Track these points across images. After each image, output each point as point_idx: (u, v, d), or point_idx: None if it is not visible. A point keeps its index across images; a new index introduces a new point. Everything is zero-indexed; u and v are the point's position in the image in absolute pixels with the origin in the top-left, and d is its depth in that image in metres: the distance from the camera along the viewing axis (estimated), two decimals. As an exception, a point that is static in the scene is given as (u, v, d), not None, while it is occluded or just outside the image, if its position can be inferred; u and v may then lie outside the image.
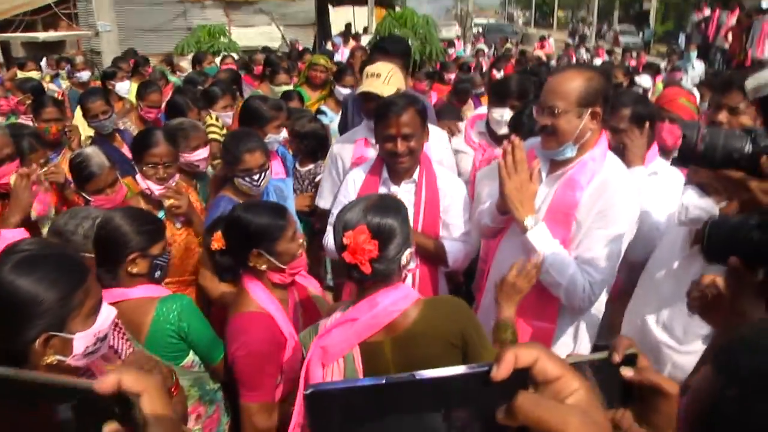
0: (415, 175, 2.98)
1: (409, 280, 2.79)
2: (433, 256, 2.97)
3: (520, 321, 2.56)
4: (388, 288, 2.00)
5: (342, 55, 11.53)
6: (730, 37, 16.18)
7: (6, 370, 0.70)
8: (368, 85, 3.36)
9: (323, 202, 3.63)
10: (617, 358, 1.04)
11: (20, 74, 8.79)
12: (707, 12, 17.85)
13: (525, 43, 30.43)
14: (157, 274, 2.42)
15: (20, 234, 2.66)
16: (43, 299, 1.45)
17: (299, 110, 4.91)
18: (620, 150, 2.91)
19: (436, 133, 3.54)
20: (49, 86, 8.75)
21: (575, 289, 2.46)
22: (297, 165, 4.41)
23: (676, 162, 2.30)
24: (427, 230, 2.98)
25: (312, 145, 4.34)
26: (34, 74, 8.75)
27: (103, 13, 13.96)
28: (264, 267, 2.32)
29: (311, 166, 4.35)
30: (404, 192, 2.96)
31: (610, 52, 19.06)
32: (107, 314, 1.61)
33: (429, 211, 2.98)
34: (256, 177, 3.26)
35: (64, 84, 9.45)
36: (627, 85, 7.95)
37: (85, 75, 8.73)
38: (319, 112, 5.86)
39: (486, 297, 2.81)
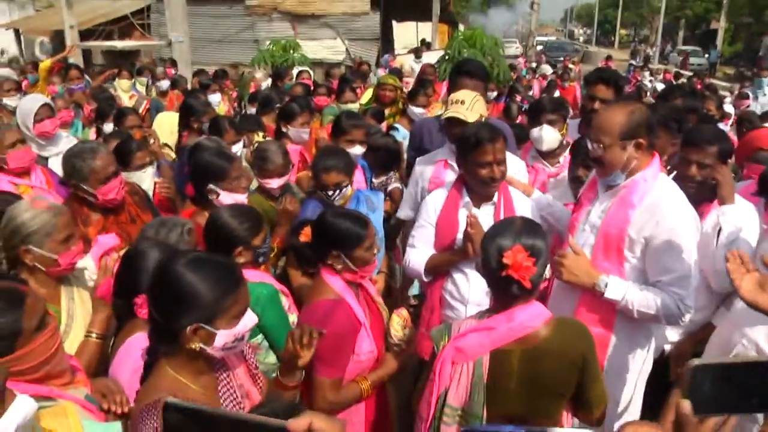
0: (495, 198, 3.13)
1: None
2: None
3: None
4: (525, 304, 2.20)
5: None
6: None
7: (217, 410, 0.86)
8: (454, 111, 3.46)
9: (402, 213, 3.91)
10: None
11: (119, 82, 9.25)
12: None
13: (586, 61, 30.07)
14: (260, 259, 2.85)
15: (114, 239, 2.86)
16: (201, 296, 1.75)
17: (371, 126, 5.04)
18: (711, 185, 3.11)
19: (513, 161, 3.60)
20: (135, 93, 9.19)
21: (669, 311, 2.63)
22: (372, 177, 4.61)
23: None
24: None
25: (384, 158, 4.62)
26: (125, 82, 9.20)
27: (176, 23, 14.44)
28: (340, 267, 2.55)
29: (383, 177, 4.63)
30: (484, 214, 3.09)
31: (678, 76, 18.52)
32: (249, 320, 1.87)
33: None
34: (330, 193, 3.47)
35: (141, 89, 9.87)
36: (720, 117, 7.63)
37: (165, 84, 9.11)
38: (392, 128, 5.99)
39: (551, 306, 2.82)
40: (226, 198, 3.30)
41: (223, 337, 1.80)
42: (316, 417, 0.82)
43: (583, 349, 2.19)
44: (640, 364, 2.84)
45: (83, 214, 3.22)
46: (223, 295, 1.79)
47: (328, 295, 2.54)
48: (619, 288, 2.66)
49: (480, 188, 3.09)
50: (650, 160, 2.74)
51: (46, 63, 8.48)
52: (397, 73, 10.44)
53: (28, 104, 4.45)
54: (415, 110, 6.09)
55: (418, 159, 3.87)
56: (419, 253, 3.22)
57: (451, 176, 3.47)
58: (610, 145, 2.65)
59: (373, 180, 4.61)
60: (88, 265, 2.70)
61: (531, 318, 2.19)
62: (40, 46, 19.80)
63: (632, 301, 2.65)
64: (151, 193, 3.91)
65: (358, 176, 4.23)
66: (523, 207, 3.18)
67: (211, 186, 3.33)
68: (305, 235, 2.68)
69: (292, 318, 2.87)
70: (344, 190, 3.54)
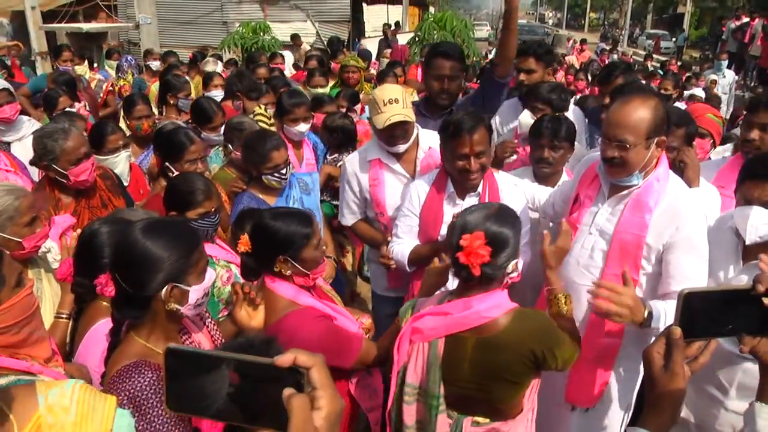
0: (480, 188, 3.05)
1: None
2: None
3: (588, 337, 2.65)
4: (485, 293, 2.17)
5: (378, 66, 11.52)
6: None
7: (213, 351, 0.94)
8: (395, 113, 3.19)
9: (345, 219, 3.65)
10: (761, 288, 1.29)
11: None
12: (745, 19, 17.56)
13: (556, 44, 30.22)
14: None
15: (69, 218, 2.84)
16: (169, 256, 1.81)
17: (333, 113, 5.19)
18: (677, 168, 2.99)
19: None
20: (96, 76, 8.94)
21: None
22: (327, 154, 4.87)
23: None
24: None
25: (340, 138, 4.84)
26: (79, 68, 8.93)
27: (143, 5, 14.16)
28: (289, 272, 2.41)
29: (336, 155, 4.82)
30: (468, 205, 2.99)
31: (647, 58, 18.64)
32: (211, 274, 1.96)
33: None
34: (284, 171, 3.53)
35: (111, 71, 9.66)
36: (677, 96, 7.86)
37: (155, 64, 8.97)
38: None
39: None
40: None
41: (195, 292, 1.88)
42: (299, 352, 0.90)
43: (540, 344, 2.16)
44: None
45: (54, 198, 3.19)
46: (189, 251, 1.87)
47: (285, 309, 2.39)
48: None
49: (460, 180, 3.02)
50: (660, 158, 2.59)
51: None
52: (366, 54, 10.41)
53: None
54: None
55: (347, 158, 3.66)
56: (403, 243, 3.15)
57: (389, 176, 3.38)
58: (635, 145, 2.43)
59: (327, 156, 4.84)
60: (51, 246, 2.68)
61: (489, 308, 2.17)
62: (-1, 28, 19.22)
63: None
64: (126, 177, 3.89)
65: (307, 153, 4.47)
66: (511, 199, 3.04)
67: (167, 164, 3.44)
68: (243, 244, 2.45)
69: (228, 289, 2.86)
70: (290, 166, 3.61)
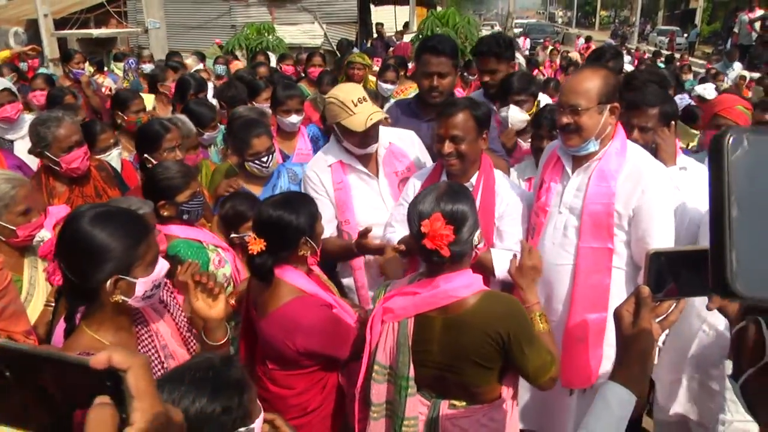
0: (473, 179, 2.97)
1: None
2: (479, 264, 2.88)
3: (574, 315, 2.68)
4: (453, 273, 2.18)
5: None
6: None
7: (23, 345, 0.81)
8: (373, 111, 3.08)
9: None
10: None
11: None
12: (759, 12, 17.32)
13: (566, 43, 30.13)
14: (185, 216, 2.95)
15: (65, 209, 2.91)
16: (114, 247, 1.75)
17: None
18: (651, 148, 2.98)
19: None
20: (104, 80, 9.08)
21: None
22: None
23: None
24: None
25: None
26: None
27: (152, 10, 14.32)
28: (309, 253, 2.48)
29: None
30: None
31: (657, 54, 18.28)
32: (162, 266, 1.90)
33: (482, 217, 2.87)
34: (264, 159, 3.54)
35: (119, 72, 9.79)
36: (674, 88, 7.78)
37: (148, 67, 9.06)
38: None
39: None
40: None
41: (142, 285, 1.82)
42: (116, 351, 0.77)
43: (505, 326, 2.15)
44: None
45: (49, 185, 3.28)
46: (136, 243, 1.80)
47: (289, 295, 2.42)
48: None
49: (444, 166, 2.99)
50: (615, 129, 2.67)
51: (5, 53, 8.45)
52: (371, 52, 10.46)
53: None
54: (384, 86, 6.19)
55: (307, 165, 3.47)
56: (395, 232, 3.10)
57: (353, 178, 3.25)
58: (587, 109, 2.54)
59: None
60: (45, 236, 2.74)
61: (456, 288, 2.18)
62: (15, 36, 19.49)
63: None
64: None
65: (300, 143, 4.48)
66: (507, 192, 3.00)
67: (146, 155, 3.47)
68: (257, 243, 2.40)
69: (222, 272, 2.98)
70: (274, 155, 3.62)
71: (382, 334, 2.31)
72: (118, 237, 1.76)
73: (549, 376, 2.23)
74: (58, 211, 2.89)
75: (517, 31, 34.01)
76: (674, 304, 1.47)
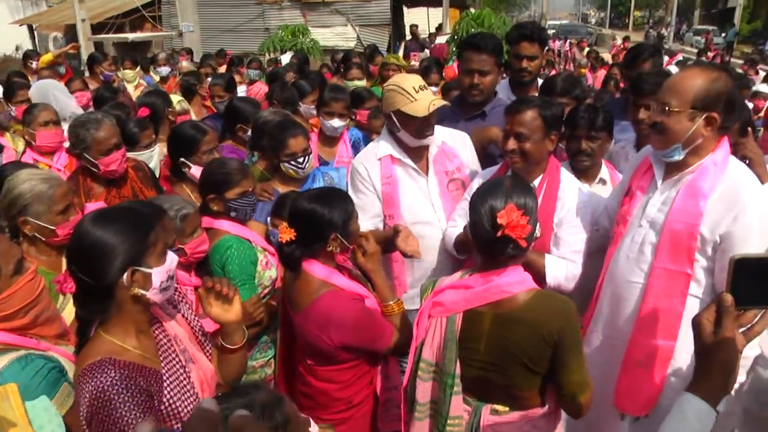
0: (536, 181, 2.88)
1: None
2: (531, 270, 2.82)
3: (638, 338, 2.51)
4: (507, 269, 2.14)
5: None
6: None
7: None
8: (434, 98, 3.03)
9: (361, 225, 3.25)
10: None
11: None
12: None
13: (599, 44, 29.75)
14: (232, 214, 2.98)
15: (102, 206, 2.89)
16: (123, 240, 1.73)
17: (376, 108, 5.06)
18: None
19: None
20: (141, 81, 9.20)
21: None
22: None
23: None
24: (535, 241, 2.89)
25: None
26: (129, 72, 9.16)
27: (186, 14, 14.49)
28: (338, 249, 2.44)
29: None
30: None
31: (701, 54, 17.64)
32: (172, 257, 1.87)
33: (541, 221, 2.75)
34: (300, 160, 3.49)
35: (155, 78, 9.88)
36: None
37: (164, 70, 9.09)
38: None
39: (601, 311, 2.67)
40: (197, 171, 3.31)
41: (158, 274, 1.79)
42: None
43: (558, 325, 2.07)
44: None
45: (86, 186, 3.28)
46: (144, 233, 1.79)
47: (321, 289, 2.41)
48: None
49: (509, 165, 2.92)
50: (718, 143, 2.37)
51: (48, 56, 8.56)
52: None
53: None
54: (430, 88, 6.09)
55: (356, 158, 3.42)
56: (456, 227, 3.04)
57: (402, 173, 3.17)
58: (677, 111, 2.28)
59: None
60: None
61: (510, 283, 2.13)
62: (54, 41, 19.92)
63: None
64: (156, 173, 3.95)
65: (342, 150, 4.34)
66: (571, 198, 2.88)
67: (182, 159, 3.41)
68: (287, 233, 2.40)
69: (269, 273, 3.00)
70: (310, 157, 3.57)
71: (429, 330, 2.24)
72: (125, 230, 1.75)
73: (584, 397, 2.12)
74: (96, 207, 2.86)
75: (550, 32, 33.75)
76: (759, 315, 1.38)
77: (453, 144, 3.26)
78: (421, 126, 3.04)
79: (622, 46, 20.64)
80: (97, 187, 3.31)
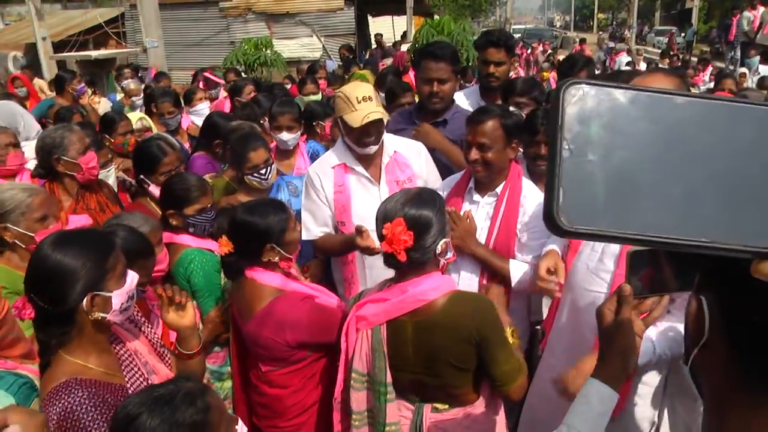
0: (499, 189, 2.95)
1: None
2: (497, 276, 2.91)
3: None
4: (421, 277, 2.19)
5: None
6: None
7: None
8: (371, 110, 3.03)
9: (308, 233, 3.31)
10: None
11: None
12: (761, 9, 17.27)
13: (564, 47, 30.17)
14: (190, 229, 3.04)
15: (86, 219, 2.93)
16: (82, 265, 1.74)
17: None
18: None
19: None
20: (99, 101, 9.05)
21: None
22: None
23: None
24: (500, 247, 2.94)
25: None
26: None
27: (150, 30, 14.36)
28: (276, 259, 2.53)
29: None
30: (484, 204, 2.99)
31: (664, 56, 17.93)
32: (132, 277, 1.90)
33: (504, 228, 2.94)
34: (263, 172, 3.55)
35: (119, 97, 9.75)
36: None
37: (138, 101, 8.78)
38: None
39: (559, 320, 2.70)
40: (155, 190, 3.38)
41: (118, 297, 1.81)
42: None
43: (476, 325, 2.15)
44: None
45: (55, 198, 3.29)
46: (103, 257, 1.80)
47: (270, 295, 2.50)
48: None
49: (473, 173, 2.99)
50: None
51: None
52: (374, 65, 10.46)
53: None
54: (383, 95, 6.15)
55: (311, 166, 3.48)
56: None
57: (354, 181, 3.22)
58: None
59: None
60: None
61: (424, 291, 2.18)
62: (13, 60, 19.66)
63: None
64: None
65: (300, 162, 4.41)
66: (533, 203, 2.93)
67: (141, 176, 3.47)
68: (225, 245, 2.58)
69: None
70: (273, 167, 3.62)
71: (357, 342, 2.32)
72: (84, 255, 1.76)
73: (517, 384, 2.23)
74: (79, 219, 2.93)
75: (515, 36, 34.08)
76: (657, 301, 1.49)
77: (406, 153, 3.32)
78: (360, 136, 3.11)
79: (579, 48, 21.14)
80: (65, 198, 3.37)
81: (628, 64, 17.61)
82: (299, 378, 2.58)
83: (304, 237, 3.28)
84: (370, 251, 2.87)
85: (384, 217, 2.16)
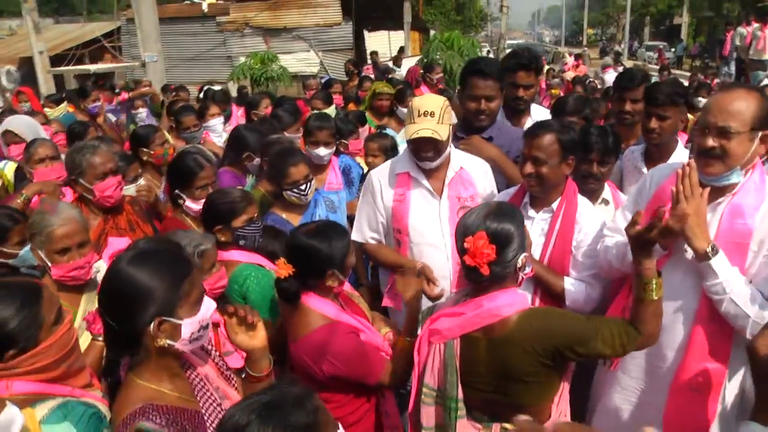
0: (554, 205, 2.91)
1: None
2: (551, 293, 2.88)
3: (689, 363, 2.48)
4: (497, 292, 2.16)
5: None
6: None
7: None
8: (424, 128, 3.04)
9: (359, 234, 3.38)
10: None
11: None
12: (755, 25, 17.48)
13: (555, 62, 30.41)
14: (241, 242, 2.95)
15: (126, 242, 2.85)
16: (155, 288, 1.66)
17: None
18: None
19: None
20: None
21: (765, 320, 2.21)
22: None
23: None
24: (554, 264, 2.89)
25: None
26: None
27: (148, 44, 14.31)
28: (336, 284, 2.49)
29: None
30: (539, 220, 2.94)
31: (663, 69, 18.06)
32: (208, 305, 1.82)
33: (559, 244, 2.88)
34: (302, 188, 3.52)
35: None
36: None
37: (143, 113, 8.49)
38: (382, 129, 6.01)
39: None
40: (192, 205, 3.31)
41: (188, 326, 1.74)
42: None
43: (550, 341, 2.11)
44: None
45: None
46: (178, 281, 1.72)
47: (317, 322, 2.46)
48: (725, 263, 2.32)
49: (527, 188, 2.95)
50: (756, 161, 2.41)
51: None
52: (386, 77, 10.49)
53: None
54: (405, 110, 6.13)
55: (373, 170, 3.49)
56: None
57: (415, 192, 3.22)
58: (739, 133, 2.25)
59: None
60: (101, 267, 2.68)
61: (499, 307, 2.15)
62: (7, 75, 19.54)
63: (732, 286, 2.30)
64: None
65: (331, 176, 4.33)
66: (589, 220, 2.89)
67: (177, 191, 3.37)
68: (285, 268, 2.46)
69: None
70: (312, 183, 3.59)
71: (429, 356, 2.29)
72: (159, 277, 1.69)
73: (631, 346, 2.16)
74: (119, 243, 2.85)
75: (508, 51, 34.27)
76: None
77: (472, 171, 3.29)
78: (415, 149, 3.12)
79: (575, 64, 20.51)
80: (92, 218, 3.25)
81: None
82: (342, 395, 2.52)
83: (355, 238, 3.29)
84: (434, 298, 2.87)
85: (465, 231, 2.12)
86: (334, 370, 2.41)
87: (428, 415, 2.31)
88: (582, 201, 2.96)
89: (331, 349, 2.39)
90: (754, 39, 16.86)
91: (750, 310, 2.29)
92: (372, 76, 11.15)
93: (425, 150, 3.10)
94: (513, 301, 2.18)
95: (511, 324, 2.16)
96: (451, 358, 2.22)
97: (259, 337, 2.05)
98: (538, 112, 4.23)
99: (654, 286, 2.16)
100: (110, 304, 1.71)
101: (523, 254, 2.17)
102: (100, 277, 2.68)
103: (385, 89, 6.84)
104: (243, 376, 2.12)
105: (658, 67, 20.63)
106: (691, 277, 2.45)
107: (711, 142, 2.31)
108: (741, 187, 2.38)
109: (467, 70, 3.74)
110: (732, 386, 2.50)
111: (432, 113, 3.04)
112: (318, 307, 2.48)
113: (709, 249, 2.31)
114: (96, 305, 2.55)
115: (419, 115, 3.05)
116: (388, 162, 3.48)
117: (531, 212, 2.95)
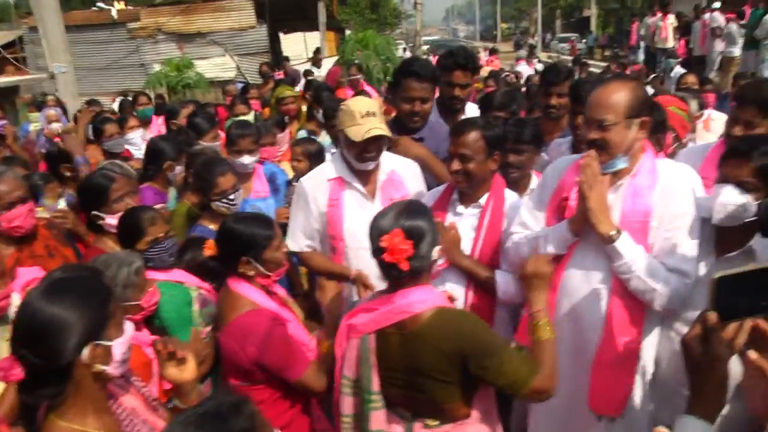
0: (482, 200, 2.99)
1: (460, 305, 2.89)
2: (483, 286, 2.95)
3: (607, 339, 2.61)
4: (411, 288, 2.22)
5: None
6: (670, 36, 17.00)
7: None
8: (374, 126, 3.04)
9: (295, 243, 3.32)
10: None
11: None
12: (671, 17, 18.27)
13: (473, 56, 30.94)
14: (149, 264, 2.79)
15: (36, 272, 2.72)
16: (81, 313, 1.62)
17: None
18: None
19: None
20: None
21: (669, 292, 2.48)
22: (292, 182, 4.57)
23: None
24: (484, 258, 2.97)
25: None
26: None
27: (57, 54, 13.72)
28: (252, 273, 2.56)
29: None
30: (468, 216, 3.01)
31: (576, 61, 18.51)
32: (129, 326, 1.79)
33: (489, 239, 2.97)
34: (231, 197, 3.49)
35: (32, 127, 9.27)
36: None
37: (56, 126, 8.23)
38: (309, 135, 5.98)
39: (558, 322, 2.63)
40: (112, 221, 3.15)
41: (119, 346, 1.70)
42: None
43: (459, 344, 2.15)
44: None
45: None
46: (103, 303, 1.69)
47: (244, 308, 2.52)
48: (630, 245, 2.49)
49: (456, 184, 3.01)
50: (645, 144, 2.61)
51: None
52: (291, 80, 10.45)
53: None
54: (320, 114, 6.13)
55: (303, 178, 3.45)
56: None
57: (349, 196, 3.22)
58: (615, 123, 2.45)
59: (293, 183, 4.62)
60: (13, 300, 2.56)
61: (412, 303, 2.21)
62: None
63: (636, 263, 2.47)
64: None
65: (257, 184, 4.31)
66: (516, 213, 2.95)
67: (94, 212, 3.21)
68: (210, 248, 2.68)
69: (207, 310, 2.91)
70: (240, 192, 3.57)
71: (348, 349, 2.36)
72: (83, 302, 1.63)
73: (529, 389, 2.15)
74: (28, 272, 2.69)
75: (424, 48, 34.67)
76: (740, 325, 1.42)
77: (402, 173, 3.32)
78: (360, 151, 3.11)
79: (490, 59, 20.26)
80: (4, 248, 3.08)
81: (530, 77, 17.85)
82: (266, 394, 2.54)
83: (290, 248, 3.24)
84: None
85: (379, 231, 2.17)
86: (258, 355, 2.44)
87: (347, 404, 2.38)
88: (510, 194, 3.06)
89: (255, 331, 2.45)
90: (657, 29, 17.68)
91: (655, 284, 2.47)
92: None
93: (371, 150, 3.11)
94: (425, 298, 2.23)
95: (423, 320, 2.20)
96: (365, 352, 2.27)
97: (188, 370, 2.03)
98: (472, 111, 4.30)
99: (542, 325, 2.25)
100: (34, 343, 1.61)
101: (436, 247, 2.23)
102: (12, 310, 2.57)
103: (288, 92, 6.81)
104: (170, 407, 2.09)
105: (571, 58, 21.30)
106: (602, 257, 2.60)
107: (593, 134, 2.51)
108: (636, 170, 2.57)
109: (402, 71, 3.74)
110: (647, 357, 2.66)
111: (374, 113, 3.08)
112: (246, 292, 2.56)
113: (613, 232, 2.48)
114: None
115: (363, 116, 3.05)
116: (318, 168, 3.45)
117: (460, 208, 3.03)
